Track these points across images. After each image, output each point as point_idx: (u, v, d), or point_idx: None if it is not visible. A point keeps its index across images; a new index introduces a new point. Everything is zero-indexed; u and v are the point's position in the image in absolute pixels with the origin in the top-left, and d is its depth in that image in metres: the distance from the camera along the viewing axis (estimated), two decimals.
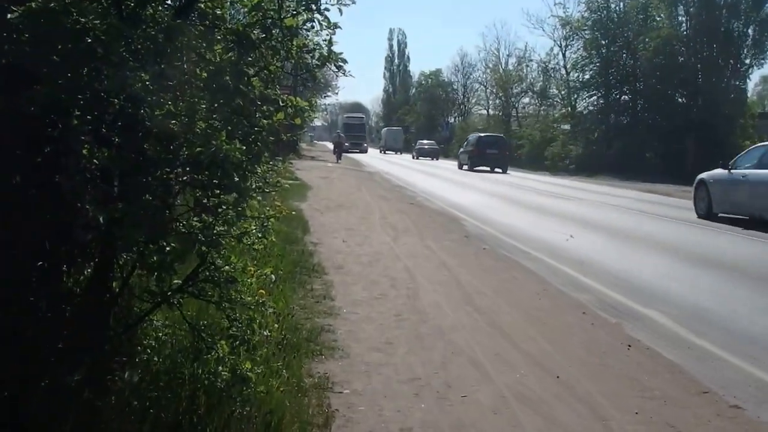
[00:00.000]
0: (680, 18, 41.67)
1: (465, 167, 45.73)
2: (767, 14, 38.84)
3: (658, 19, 43.71)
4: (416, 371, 6.07)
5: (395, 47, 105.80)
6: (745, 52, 39.95)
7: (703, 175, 18.24)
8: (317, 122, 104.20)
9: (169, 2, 4.11)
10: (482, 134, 49.91)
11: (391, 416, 5.08)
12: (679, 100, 43.16)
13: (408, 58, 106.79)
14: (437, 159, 68.66)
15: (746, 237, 15.34)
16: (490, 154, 44.72)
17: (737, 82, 40.93)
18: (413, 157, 71.77)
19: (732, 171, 16.90)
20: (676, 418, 5.24)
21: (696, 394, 5.80)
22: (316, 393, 5.34)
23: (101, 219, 3.43)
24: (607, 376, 6.15)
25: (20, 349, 3.40)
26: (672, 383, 6.01)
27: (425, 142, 76.21)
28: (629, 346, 7.04)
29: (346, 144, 69.38)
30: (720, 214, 17.43)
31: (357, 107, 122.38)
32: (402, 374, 5.99)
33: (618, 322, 7.92)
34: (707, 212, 17.69)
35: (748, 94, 43.48)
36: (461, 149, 50.15)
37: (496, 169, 44.02)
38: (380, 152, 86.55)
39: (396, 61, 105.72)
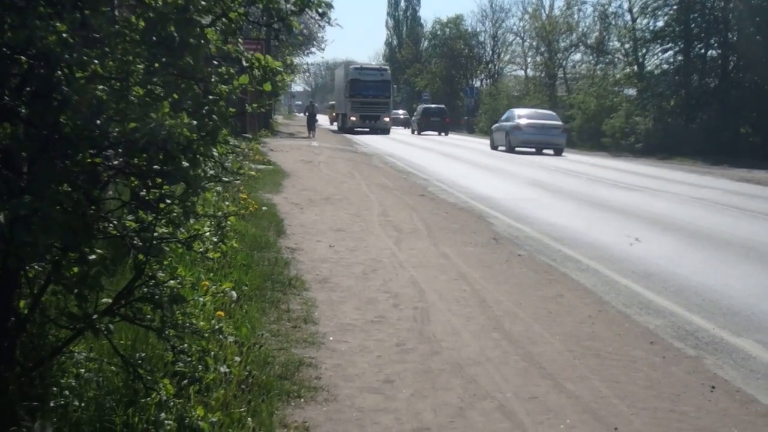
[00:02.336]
0: None
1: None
2: None
3: None
4: (425, 420, 6.09)
5: None
6: None
7: None
8: (297, 87, 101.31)
9: None
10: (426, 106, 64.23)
11: None
12: None
13: (418, 0, 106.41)
14: (446, 134, 70.85)
15: None
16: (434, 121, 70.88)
17: None
18: (412, 132, 74.26)
19: None
20: None
21: None
22: None
23: (2, 218, 3.43)
24: (683, 429, 6.19)
25: None
26: None
27: (425, 107, 77.09)
28: (713, 387, 7.08)
29: (352, 118, 66.09)
30: None
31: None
32: (406, 424, 6.01)
33: (698, 356, 7.96)
34: None
35: None
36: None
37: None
38: (412, 133, 73.43)
39: (402, 4, 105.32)
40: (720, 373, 7.43)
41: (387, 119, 66.17)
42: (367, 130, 65.51)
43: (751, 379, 7.30)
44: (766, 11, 44.27)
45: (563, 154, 43.23)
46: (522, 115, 44.94)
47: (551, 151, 43.42)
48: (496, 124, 48.82)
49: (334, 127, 75.75)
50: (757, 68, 46.37)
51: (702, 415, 6.42)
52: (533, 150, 43.43)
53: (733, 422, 6.32)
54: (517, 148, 42.97)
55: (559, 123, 45.31)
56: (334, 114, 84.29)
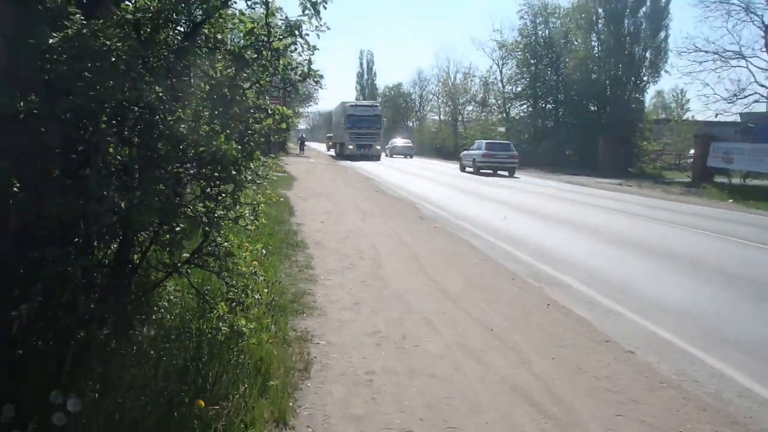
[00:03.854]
0: (593, 43, 41.97)
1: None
2: (662, 41, 39.37)
3: (576, 43, 44.06)
4: (378, 326, 6.14)
5: (365, 65, 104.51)
6: (643, 71, 40.41)
7: None
8: (302, 126, 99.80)
9: (179, 28, 4.10)
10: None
11: (358, 362, 5.17)
12: (592, 108, 43.54)
13: (375, 74, 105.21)
14: (411, 157, 57.93)
15: (647, 220, 15.57)
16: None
17: (637, 95, 41.37)
18: (386, 155, 59.87)
19: None
20: (583, 362, 5.38)
21: (599, 342, 5.94)
22: (298, 344, 5.41)
23: (123, 205, 3.44)
24: (531, 329, 6.25)
25: (59, 308, 3.42)
26: (581, 334, 6.14)
27: (399, 140, 65.05)
28: (548, 305, 7.17)
29: (350, 146, 51.09)
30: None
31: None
32: (367, 329, 6.06)
33: (540, 286, 8.05)
34: None
35: (646, 105, 44.03)
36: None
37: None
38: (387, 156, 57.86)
39: (365, 76, 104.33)
40: (553, 297, 7.53)
41: (378, 147, 53.53)
42: (361, 155, 51.12)
43: (571, 300, 7.40)
44: (579, 82, 44.63)
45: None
46: (484, 145, 34.11)
47: (506, 172, 33.04)
48: (465, 152, 37.85)
49: (332, 153, 63.42)
50: (575, 115, 46.98)
51: (542, 320, 6.52)
52: (490, 171, 33.41)
53: (559, 323, 6.43)
54: (481, 170, 33.21)
55: (514, 152, 34.22)
56: (331, 143, 69.44)
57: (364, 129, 50.52)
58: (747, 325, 6.69)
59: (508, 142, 37.69)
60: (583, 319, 6.66)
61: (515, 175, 32.69)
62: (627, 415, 4.39)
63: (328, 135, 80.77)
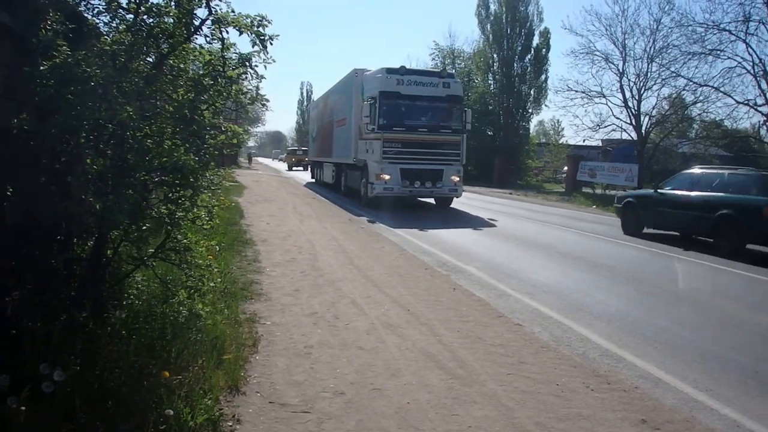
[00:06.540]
0: (490, 81, 42.92)
1: None
2: (543, 81, 40.83)
3: (476, 81, 44.90)
4: (315, 309, 6.17)
5: (305, 94, 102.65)
6: (528, 104, 41.74)
7: None
8: (251, 143, 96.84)
9: (149, 59, 4.04)
10: None
11: (298, 338, 5.20)
12: (489, 133, 44.38)
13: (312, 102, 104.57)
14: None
15: (530, 221, 16.09)
16: None
17: (524, 123, 42.62)
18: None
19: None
20: (482, 333, 5.58)
21: (495, 317, 6.15)
22: (248, 324, 5.40)
23: (99, 207, 3.38)
24: (440, 308, 6.39)
25: (46, 295, 3.38)
26: (480, 312, 6.34)
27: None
28: (454, 288, 7.34)
29: (385, 176, 14.04)
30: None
31: (278, 135, 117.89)
32: (305, 311, 6.08)
33: (448, 274, 8.22)
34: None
35: (530, 131, 45.38)
36: None
37: None
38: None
39: (305, 103, 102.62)
40: (458, 282, 7.71)
41: (456, 176, 16.40)
42: (416, 192, 16.49)
43: (472, 284, 7.60)
44: (479, 112, 44.84)
45: None
46: None
47: None
48: None
49: (306, 175, 37.11)
50: (476, 139, 46.85)
51: (449, 301, 6.66)
52: None
53: (463, 303, 6.59)
54: None
55: None
56: (293, 159, 52.49)
57: (424, 132, 16.31)
58: (606, 301, 7.08)
59: None
60: (481, 299, 6.86)
61: None
62: (516, 374, 4.60)
63: (290, 148, 64.53)
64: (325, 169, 25.45)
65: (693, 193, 11.94)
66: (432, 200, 18.66)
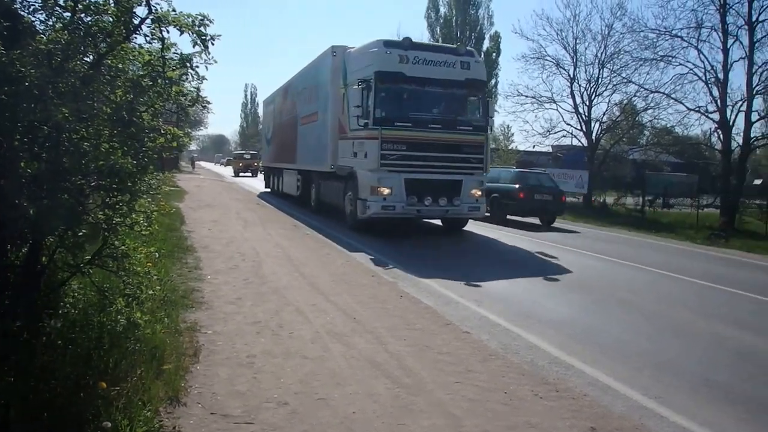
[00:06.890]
0: None
1: None
2: (493, 87, 41.28)
3: None
4: (258, 317, 6.19)
5: (249, 96, 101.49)
6: None
7: None
8: (193, 147, 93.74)
9: (86, 58, 4.03)
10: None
11: (241, 348, 5.22)
12: None
13: (257, 104, 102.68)
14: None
15: (479, 226, 16.47)
16: None
17: None
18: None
19: None
20: (429, 341, 5.71)
21: (443, 325, 6.31)
22: (188, 333, 5.38)
23: (33, 212, 3.36)
24: (387, 316, 6.51)
25: None
26: (428, 320, 6.48)
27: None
28: (401, 296, 7.49)
29: (383, 190, 11.14)
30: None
31: (221, 139, 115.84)
32: (248, 319, 6.10)
33: (395, 282, 8.38)
34: None
35: None
36: None
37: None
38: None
39: (249, 106, 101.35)
40: (405, 290, 7.87)
41: (478, 191, 12.79)
42: (425, 212, 12.83)
43: (419, 292, 7.78)
44: None
45: None
46: None
47: None
48: None
49: (255, 181, 36.50)
50: None
51: (395, 309, 6.80)
52: None
53: (410, 311, 6.74)
54: None
55: None
56: (241, 164, 50.13)
57: (437, 130, 12.31)
58: (555, 309, 7.40)
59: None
60: (429, 307, 7.02)
61: None
62: (464, 382, 4.72)
63: (236, 152, 61.83)
64: (285, 177, 21.58)
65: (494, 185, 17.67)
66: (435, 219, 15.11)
